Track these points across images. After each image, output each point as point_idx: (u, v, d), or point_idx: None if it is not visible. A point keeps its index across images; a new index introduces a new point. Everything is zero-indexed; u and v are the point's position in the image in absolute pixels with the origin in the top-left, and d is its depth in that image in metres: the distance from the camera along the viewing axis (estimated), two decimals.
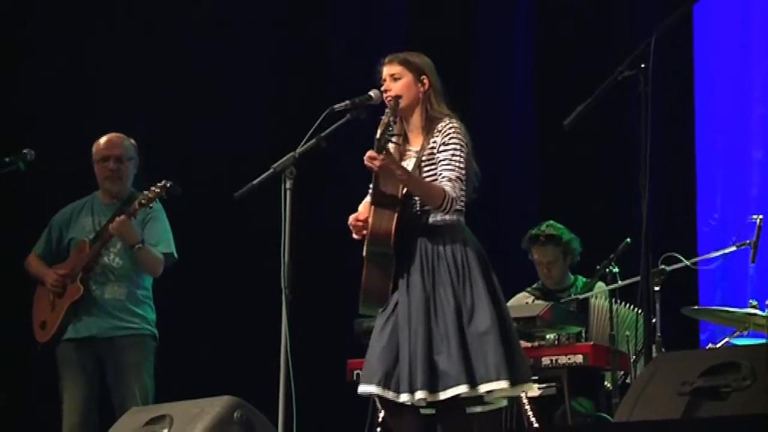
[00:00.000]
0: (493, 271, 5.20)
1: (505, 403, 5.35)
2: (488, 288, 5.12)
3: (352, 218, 5.28)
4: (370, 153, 5.07)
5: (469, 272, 5.13)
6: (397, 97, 5.24)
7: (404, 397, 5.04)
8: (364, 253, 5.21)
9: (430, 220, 5.20)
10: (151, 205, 6.25)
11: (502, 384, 5.01)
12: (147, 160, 6.64)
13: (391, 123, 5.14)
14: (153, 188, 6.26)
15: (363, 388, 5.13)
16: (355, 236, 5.27)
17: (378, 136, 5.06)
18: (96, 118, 7.67)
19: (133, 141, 6.51)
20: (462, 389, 5.00)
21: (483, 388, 5.02)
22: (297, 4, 8.63)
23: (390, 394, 5.06)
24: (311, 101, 7.28)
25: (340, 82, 7.77)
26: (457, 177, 5.15)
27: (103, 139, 6.47)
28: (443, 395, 5.02)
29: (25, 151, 6.35)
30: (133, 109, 7.89)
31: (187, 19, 8.27)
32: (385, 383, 5.06)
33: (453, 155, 5.17)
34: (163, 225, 6.42)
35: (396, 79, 5.28)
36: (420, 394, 5.01)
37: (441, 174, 5.15)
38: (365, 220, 5.22)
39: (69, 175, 7.09)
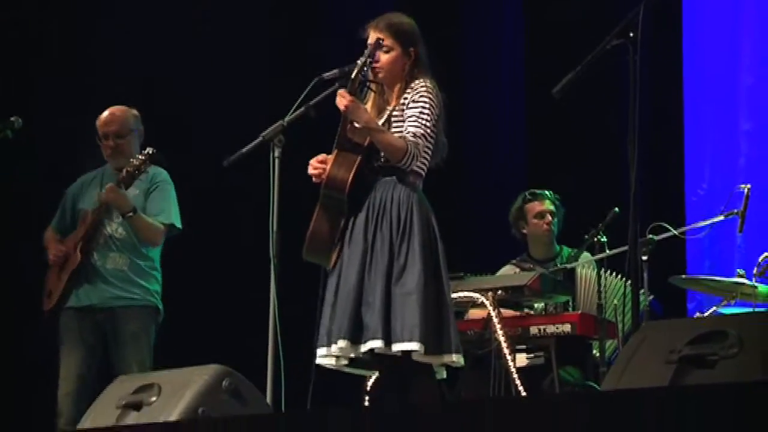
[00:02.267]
0: (440, 241, 5.15)
1: (443, 374, 5.23)
2: (425, 252, 5.07)
3: (313, 160, 5.26)
4: (341, 91, 5.07)
5: (409, 232, 5.08)
6: (377, 69, 5.25)
7: (332, 349, 5.05)
8: (320, 197, 5.20)
9: (388, 175, 5.18)
10: (137, 172, 6.23)
11: (414, 346, 4.94)
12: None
13: (367, 64, 5.12)
14: (139, 156, 6.25)
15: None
16: (314, 180, 5.26)
17: (353, 76, 5.04)
18: (94, 106, 7.67)
19: (134, 112, 6.48)
20: (377, 344, 4.98)
21: (395, 347, 4.99)
22: None
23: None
24: (302, 68, 7.26)
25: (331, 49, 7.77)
26: (423, 134, 5.12)
27: (102, 115, 6.45)
28: (363, 347, 5.02)
29: (12, 118, 6.32)
30: (124, 78, 7.88)
31: (185, 12, 8.25)
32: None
33: (421, 112, 5.14)
34: (165, 195, 6.41)
35: (386, 51, 5.26)
36: (341, 343, 5.02)
37: (406, 129, 5.13)
38: (325, 163, 5.22)
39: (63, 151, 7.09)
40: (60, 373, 6.31)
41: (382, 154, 5.17)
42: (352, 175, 5.13)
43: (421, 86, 5.20)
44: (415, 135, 5.11)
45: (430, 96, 5.17)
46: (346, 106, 5.06)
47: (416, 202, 5.14)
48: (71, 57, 8.07)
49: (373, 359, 5.14)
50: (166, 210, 6.38)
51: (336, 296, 5.14)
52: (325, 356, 5.12)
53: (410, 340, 4.96)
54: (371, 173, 5.18)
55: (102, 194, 6.25)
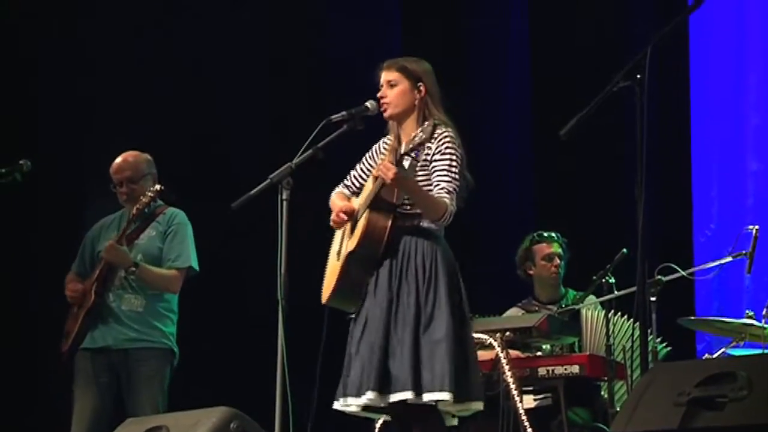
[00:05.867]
0: (464, 289, 5.17)
1: (454, 422, 5.24)
2: (451, 300, 5.09)
3: (337, 208, 5.29)
4: (385, 163, 5.05)
5: (435, 281, 5.10)
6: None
7: (362, 399, 5.04)
8: (346, 253, 5.20)
9: (411, 224, 5.20)
10: (147, 211, 6.24)
11: (445, 396, 4.96)
12: None
13: (421, 149, 5.09)
14: (148, 192, 6.27)
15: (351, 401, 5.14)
16: (332, 224, 5.30)
17: (403, 151, 5.03)
18: (95, 126, 7.69)
19: (147, 156, 6.49)
20: (407, 395, 4.98)
21: (426, 396, 4.99)
22: (295, 11, 8.64)
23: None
24: (309, 112, 7.29)
25: (338, 91, 7.79)
26: (454, 189, 5.13)
27: (115, 162, 6.46)
28: (392, 398, 5.01)
29: (21, 161, 6.35)
30: (130, 119, 7.91)
31: (185, 25, 8.28)
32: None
33: (450, 165, 5.15)
34: (182, 238, 6.41)
35: (392, 86, 5.29)
36: (370, 395, 5.00)
37: (438, 184, 5.13)
38: (350, 214, 5.24)
39: (69, 186, 7.11)
40: (73, 414, 6.30)
41: (408, 206, 5.18)
42: (387, 233, 5.14)
43: (444, 136, 5.19)
44: (448, 191, 5.11)
45: (455, 146, 5.17)
46: (393, 179, 5.03)
47: (440, 252, 5.17)
48: (69, 64, 8.11)
49: (388, 406, 5.12)
50: (183, 254, 6.39)
51: (359, 346, 5.14)
52: (350, 405, 5.11)
53: (441, 390, 4.97)
54: (400, 228, 5.19)
55: (104, 253, 6.25)
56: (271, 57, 8.52)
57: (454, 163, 5.15)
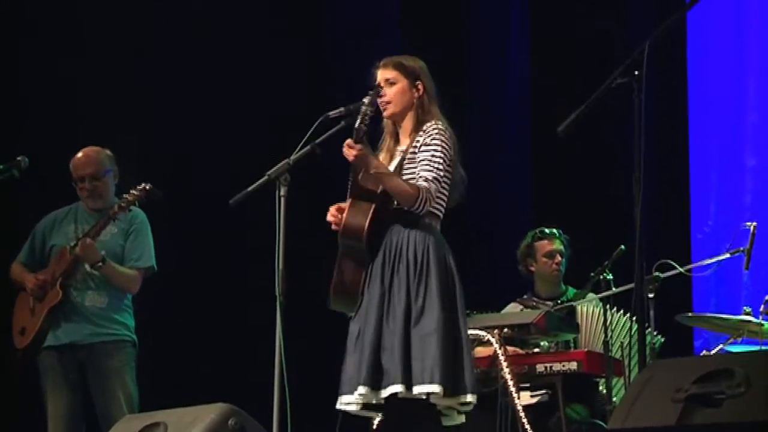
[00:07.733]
0: (458, 282, 5.14)
1: (461, 420, 5.23)
2: (442, 292, 5.06)
3: (332, 208, 5.26)
4: (348, 141, 5.05)
5: (426, 274, 5.07)
6: (387, 103, 5.27)
7: (354, 396, 5.03)
8: (339, 247, 5.20)
9: (403, 218, 5.16)
10: (131, 208, 6.22)
11: (435, 388, 4.93)
12: (140, 167, 6.64)
13: (369, 113, 5.09)
14: (133, 191, 6.24)
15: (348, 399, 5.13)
16: (332, 228, 5.26)
17: (356, 125, 5.02)
18: (91, 122, 7.68)
19: (108, 152, 6.45)
20: (398, 388, 4.96)
21: (416, 389, 4.96)
22: (295, 10, 8.64)
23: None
24: (308, 108, 7.28)
25: (337, 87, 7.79)
26: (435, 178, 5.11)
27: (76, 157, 6.42)
28: (384, 393, 5.00)
29: (19, 158, 6.34)
30: (126, 115, 7.90)
31: (185, 22, 8.28)
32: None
33: (433, 156, 5.13)
34: (143, 238, 6.39)
35: (391, 84, 5.29)
36: (362, 390, 4.99)
37: (418, 173, 5.12)
38: (342, 211, 5.22)
39: (62, 181, 7.08)
40: (48, 413, 6.28)
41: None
42: (367, 222, 5.11)
43: (433, 128, 5.18)
44: (426, 180, 5.09)
45: (443, 138, 5.16)
46: (355, 156, 5.04)
47: (432, 244, 5.13)
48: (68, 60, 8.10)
49: (383, 404, 5.10)
50: (146, 254, 6.38)
51: (356, 343, 5.12)
52: (350, 403, 5.10)
53: (431, 382, 4.94)
54: (387, 218, 5.16)
55: (77, 248, 6.21)
56: (271, 57, 8.50)
57: (438, 154, 5.12)
